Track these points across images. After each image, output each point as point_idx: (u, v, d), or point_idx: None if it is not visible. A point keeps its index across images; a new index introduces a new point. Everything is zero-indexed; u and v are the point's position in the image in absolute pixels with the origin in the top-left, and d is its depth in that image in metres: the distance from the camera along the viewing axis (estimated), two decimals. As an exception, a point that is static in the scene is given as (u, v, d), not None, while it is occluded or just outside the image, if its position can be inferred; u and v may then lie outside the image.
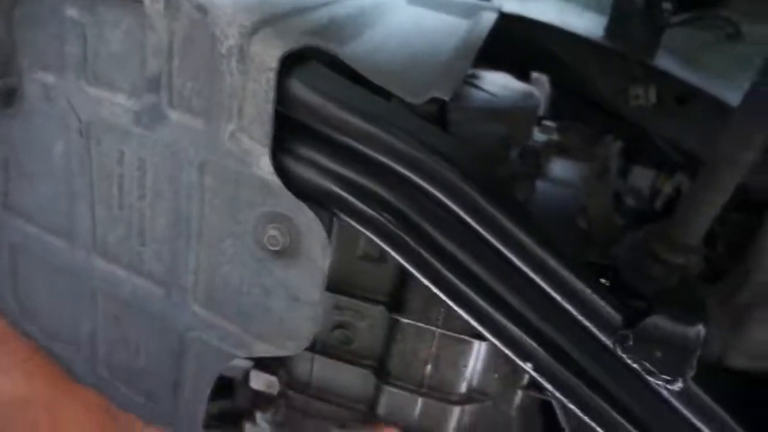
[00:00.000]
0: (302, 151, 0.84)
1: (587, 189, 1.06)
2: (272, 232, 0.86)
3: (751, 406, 0.89)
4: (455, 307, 0.82)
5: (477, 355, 0.98)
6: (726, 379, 0.86)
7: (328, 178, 0.84)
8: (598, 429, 0.87)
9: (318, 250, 0.85)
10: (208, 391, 1.07)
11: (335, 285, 1.00)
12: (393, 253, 0.83)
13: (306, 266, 0.87)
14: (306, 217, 0.83)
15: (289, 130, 0.83)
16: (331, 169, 0.84)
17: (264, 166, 0.82)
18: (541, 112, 1.26)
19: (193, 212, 0.91)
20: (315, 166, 0.84)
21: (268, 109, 0.78)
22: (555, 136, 1.08)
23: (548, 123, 1.16)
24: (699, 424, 0.85)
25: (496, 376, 1.01)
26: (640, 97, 1.32)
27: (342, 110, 0.80)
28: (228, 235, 0.91)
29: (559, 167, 1.02)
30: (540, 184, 1.00)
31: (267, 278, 0.91)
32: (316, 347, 1.08)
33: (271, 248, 0.87)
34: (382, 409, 1.09)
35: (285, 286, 0.90)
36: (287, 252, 0.87)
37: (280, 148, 0.83)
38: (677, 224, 0.97)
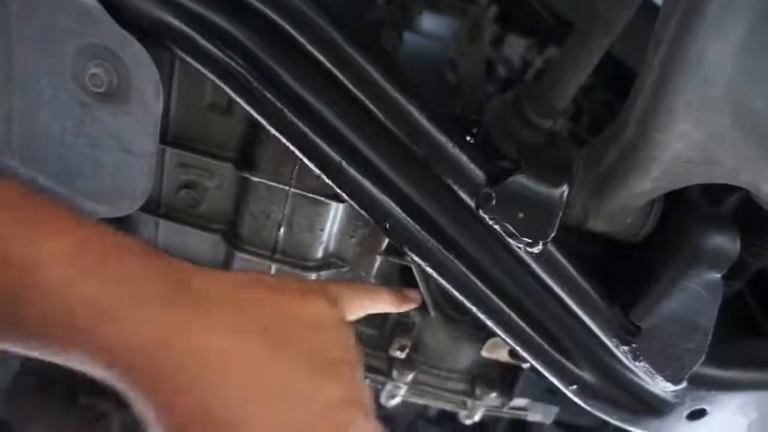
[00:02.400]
0: (130, -29, 0.70)
1: (458, 45, 0.99)
2: (95, 69, 0.72)
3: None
4: (306, 161, 0.74)
5: (334, 217, 0.92)
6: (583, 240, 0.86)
7: (163, 7, 0.71)
8: (455, 292, 0.85)
9: (150, 92, 0.73)
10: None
11: (179, 139, 0.89)
12: (238, 99, 0.73)
13: (137, 112, 0.75)
14: (133, 51, 0.71)
15: (113, -57, 0.68)
16: (168, -4, 0.71)
17: (80, -14, 0.68)
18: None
19: (-2, 46, 0.76)
20: (147, -9, 0.71)
21: None
22: (427, -14, 0.99)
23: (421, -29, 1.07)
24: (553, 285, 0.85)
25: (354, 240, 0.96)
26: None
27: None
28: (43, 75, 0.76)
29: (429, 20, 0.95)
30: (407, 35, 0.92)
31: (93, 127, 0.78)
32: (160, 210, 0.98)
33: (95, 89, 0.74)
34: (233, 277, 1.02)
35: (114, 136, 0.78)
36: (115, 95, 0.74)
37: (102, -34, 0.69)
38: (548, 86, 0.94)
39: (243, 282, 0.58)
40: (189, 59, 0.73)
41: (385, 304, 0.76)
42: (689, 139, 0.66)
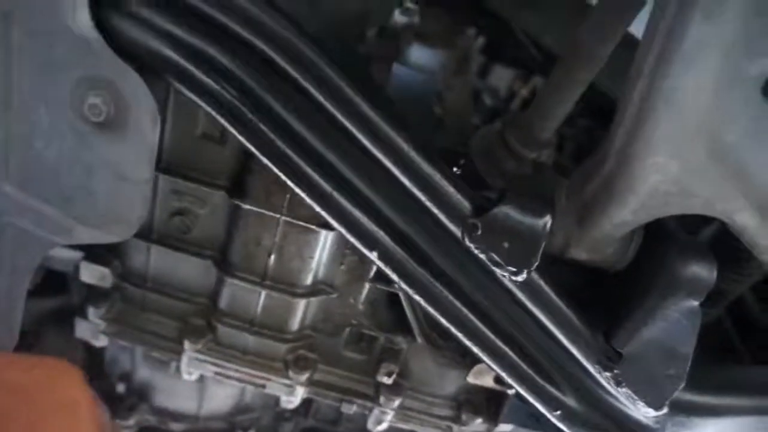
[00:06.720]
0: (131, 6, 0.73)
1: (445, 78, 1.02)
2: (93, 99, 0.75)
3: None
4: (298, 191, 0.76)
5: (323, 245, 0.94)
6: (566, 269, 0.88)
7: (161, 40, 0.74)
8: (442, 320, 0.86)
9: (147, 121, 0.75)
10: (26, 283, 0.96)
11: (172, 167, 0.91)
12: (232, 130, 0.76)
13: (134, 141, 0.77)
14: (131, 82, 0.73)
15: (114, -21, 0.71)
16: (165, 29, 0.74)
17: (82, 19, 0.70)
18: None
19: (-2, 74, 0.78)
20: (146, 25, 0.74)
21: (85, -51, 0.66)
22: (416, 20, 1.02)
23: (410, 5, 1.10)
24: (538, 313, 0.86)
25: (343, 267, 0.98)
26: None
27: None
28: (42, 104, 0.78)
29: (418, 52, 0.98)
30: (396, 68, 0.95)
31: (90, 154, 0.80)
32: (152, 236, 0.99)
33: (93, 119, 0.76)
34: (223, 303, 1.03)
35: (111, 164, 0.80)
36: (112, 124, 0.76)
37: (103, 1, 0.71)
38: (533, 117, 0.97)
39: None
40: (184, 90, 0.75)
41: None
42: (666, 171, 0.68)
